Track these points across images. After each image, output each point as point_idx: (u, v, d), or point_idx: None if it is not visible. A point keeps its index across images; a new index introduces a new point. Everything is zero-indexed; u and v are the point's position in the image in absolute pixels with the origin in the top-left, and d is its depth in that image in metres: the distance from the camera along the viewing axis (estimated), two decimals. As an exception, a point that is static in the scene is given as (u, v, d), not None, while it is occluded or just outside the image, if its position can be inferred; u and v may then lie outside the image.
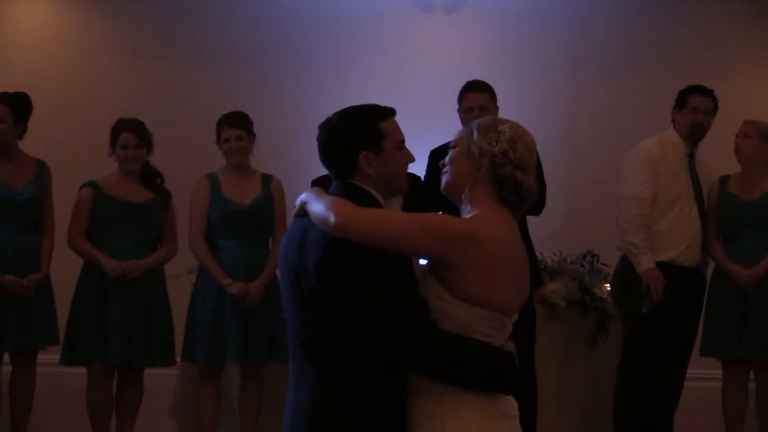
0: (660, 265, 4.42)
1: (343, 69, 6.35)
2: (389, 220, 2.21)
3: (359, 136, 2.34)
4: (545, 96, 6.11)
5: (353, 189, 2.33)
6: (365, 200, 2.31)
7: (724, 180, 4.75)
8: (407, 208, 3.83)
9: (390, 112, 2.40)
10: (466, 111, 4.39)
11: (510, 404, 2.27)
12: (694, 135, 4.56)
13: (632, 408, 4.44)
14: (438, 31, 6.49)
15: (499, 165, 2.25)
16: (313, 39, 6.44)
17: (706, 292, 4.72)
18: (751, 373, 4.74)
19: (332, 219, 2.18)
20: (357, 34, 6.42)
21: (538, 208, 4.31)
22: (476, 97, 4.40)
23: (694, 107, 4.56)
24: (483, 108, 4.35)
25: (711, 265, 4.74)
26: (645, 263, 4.42)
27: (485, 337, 2.22)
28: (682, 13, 6.44)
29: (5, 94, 4.50)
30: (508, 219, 2.28)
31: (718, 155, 5.75)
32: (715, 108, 4.59)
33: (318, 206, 2.25)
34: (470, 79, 4.54)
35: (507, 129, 2.29)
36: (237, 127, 4.46)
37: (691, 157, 4.58)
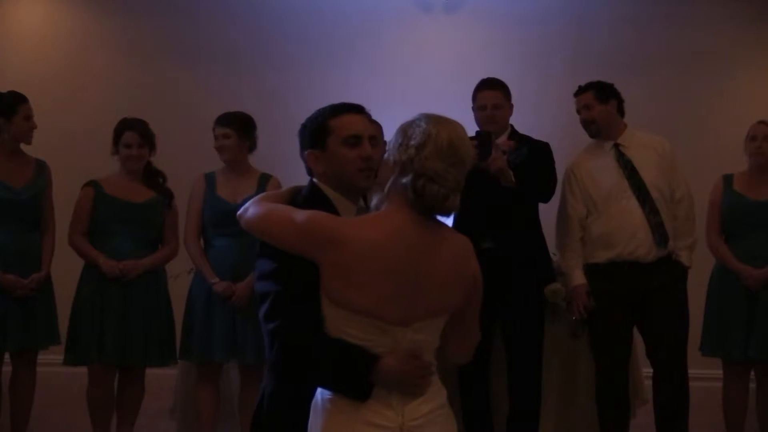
0: (614, 263, 4.37)
1: (342, 69, 6.35)
2: (273, 214, 2.27)
3: (306, 135, 2.45)
4: (545, 96, 6.11)
5: (310, 187, 2.44)
6: (316, 198, 2.39)
7: (729, 178, 4.74)
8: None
9: (346, 109, 2.43)
10: (479, 109, 4.38)
11: (380, 413, 2.17)
12: (589, 131, 4.53)
13: (601, 412, 4.46)
14: (438, 31, 6.49)
15: (403, 172, 2.20)
16: (312, 39, 6.44)
17: (707, 291, 4.72)
18: (752, 373, 4.74)
19: (240, 210, 2.36)
20: (357, 34, 6.42)
21: (545, 195, 4.35)
22: (489, 95, 4.37)
23: (578, 110, 4.55)
24: (496, 106, 4.35)
25: (703, 264, 4.72)
26: (573, 280, 4.44)
27: (358, 340, 2.17)
28: (682, 14, 6.43)
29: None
30: (398, 224, 2.19)
31: (719, 154, 5.76)
32: (597, 98, 4.47)
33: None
34: (469, 78, 4.54)
35: (417, 134, 2.20)
36: (224, 125, 4.47)
37: (617, 147, 4.48)
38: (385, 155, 2.27)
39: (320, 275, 2.17)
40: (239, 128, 4.48)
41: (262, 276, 2.30)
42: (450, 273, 2.24)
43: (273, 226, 2.25)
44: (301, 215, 2.21)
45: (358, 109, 2.44)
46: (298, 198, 2.41)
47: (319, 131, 2.41)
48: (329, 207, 2.37)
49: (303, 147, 2.46)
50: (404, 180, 2.19)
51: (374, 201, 2.29)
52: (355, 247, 2.14)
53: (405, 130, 2.23)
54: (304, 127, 2.47)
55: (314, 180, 2.44)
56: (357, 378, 2.16)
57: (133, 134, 4.48)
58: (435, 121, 2.23)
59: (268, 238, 2.27)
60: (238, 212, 2.37)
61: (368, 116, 2.47)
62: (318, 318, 2.19)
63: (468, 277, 2.29)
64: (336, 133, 2.39)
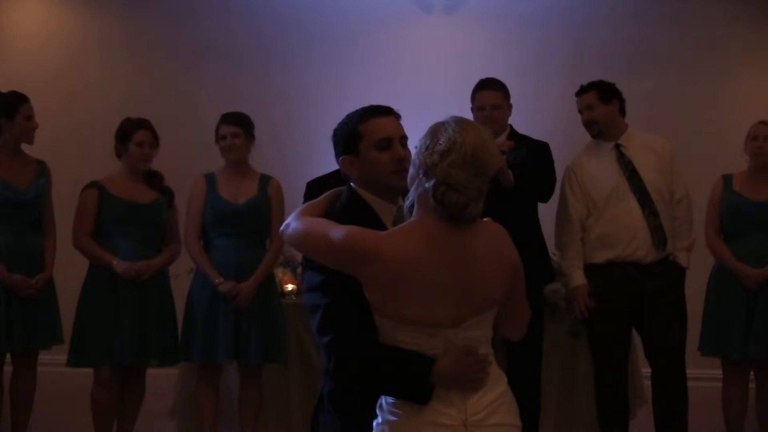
0: (612, 263, 4.37)
1: (342, 69, 6.34)
2: (311, 232, 2.28)
3: (338, 141, 2.45)
4: (545, 96, 6.11)
5: (348, 192, 2.44)
6: (355, 203, 2.41)
7: (728, 178, 4.74)
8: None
9: (374, 112, 2.43)
10: (478, 110, 4.37)
11: (443, 413, 2.19)
12: (591, 131, 4.53)
13: (601, 412, 4.46)
14: (438, 31, 6.48)
15: (426, 176, 2.19)
16: (312, 39, 6.43)
17: (706, 291, 4.72)
18: (751, 373, 4.74)
19: (282, 225, 2.37)
20: (357, 34, 6.42)
21: (544, 195, 4.35)
22: (488, 96, 4.37)
23: (580, 110, 4.54)
24: (495, 107, 4.35)
25: (702, 264, 4.71)
26: (573, 280, 4.44)
27: (411, 346, 2.21)
28: (682, 14, 6.43)
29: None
30: (430, 231, 2.20)
31: (719, 154, 5.76)
32: (600, 98, 4.46)
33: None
34: (469, 78, 4.53)
35: (444, 139, 2.19)
36: (234, 124, 4.47)
37: (618, 148, 4.47)
38: (413, 155, 2.28)
39: (363, 290, 2.19)
40: (248, 129, 4.50)
41: (310, 288, 2.33)
42: (489, 268, 2.25)
43: (312, 244, 2.28)
44: (337, 233, 2.21)
45: (386, 111, 2.45)
46: (337, 205, 2.42)
47: (350, 137, 2.42)
48: (368, 211, 2.40)
49: (337, 153, 2.47)
50: (427, 185, 2.19)
51: (406, 201, 2.29)
52: (390, 261, 2.16)
53: (434, 133, 2.22)
54: (335, 133, 2.48)
55: (352, 185, 2.46)
56: (416, 383, 2.19)
57: (147, 133, 4.49)
58: (463, 127, 2.21)
59: (309, 255, 2.32)
60: (280, 228, 2.40)
61: (397, 116, 2.47)
62: (371, 327, 2.22)
63: (508, 267, 2.31)
64: (367, 137, 2.40)
